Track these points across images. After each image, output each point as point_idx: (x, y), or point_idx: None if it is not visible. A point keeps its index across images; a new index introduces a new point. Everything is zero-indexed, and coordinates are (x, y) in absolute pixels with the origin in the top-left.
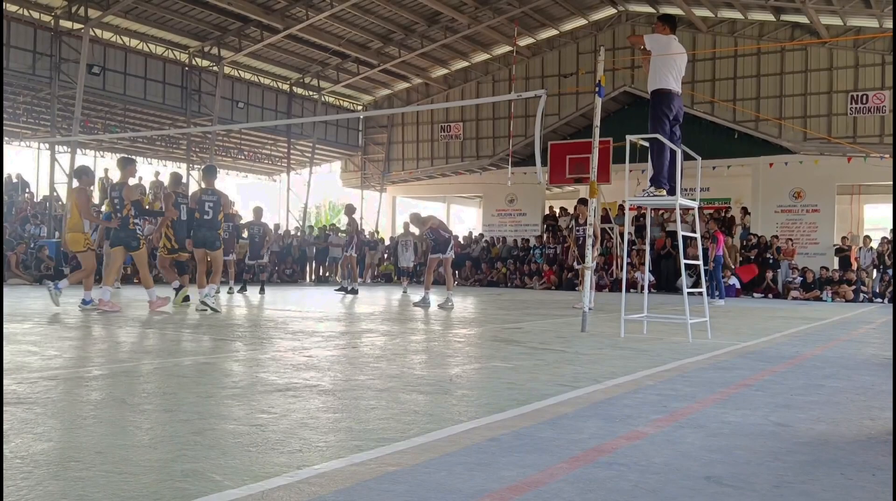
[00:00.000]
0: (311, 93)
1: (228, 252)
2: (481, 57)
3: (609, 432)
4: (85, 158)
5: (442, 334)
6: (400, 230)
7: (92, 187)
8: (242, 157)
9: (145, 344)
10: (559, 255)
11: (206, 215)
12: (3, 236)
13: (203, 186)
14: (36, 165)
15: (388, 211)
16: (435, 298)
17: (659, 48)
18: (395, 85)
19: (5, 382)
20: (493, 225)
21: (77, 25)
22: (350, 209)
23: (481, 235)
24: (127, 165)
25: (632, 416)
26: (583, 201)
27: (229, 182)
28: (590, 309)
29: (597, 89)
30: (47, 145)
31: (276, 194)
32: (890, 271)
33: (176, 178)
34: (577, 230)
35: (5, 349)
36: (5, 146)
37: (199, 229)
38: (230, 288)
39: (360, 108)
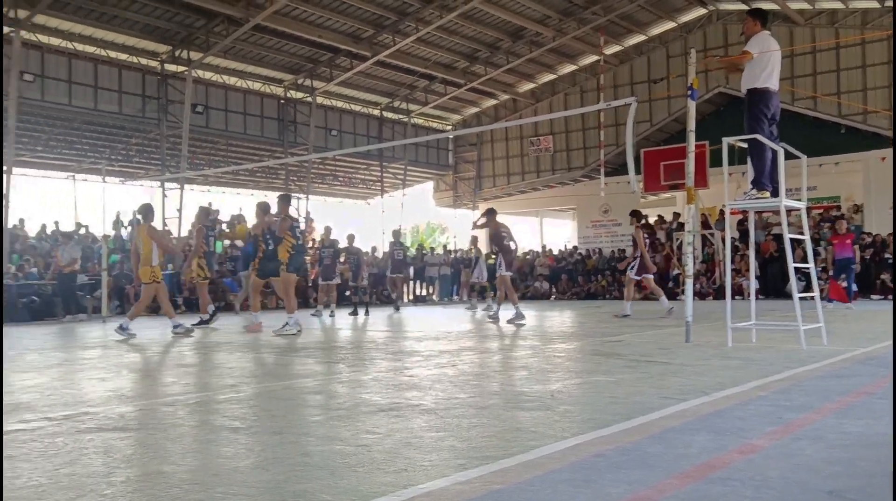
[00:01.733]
0: (400, 116)
1: (331, 276)
2: (568, 68)
3: (720, 446)
4: (192, 194)
5: (541, 349)
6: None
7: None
8: (338, 183)
9: (251, 369)
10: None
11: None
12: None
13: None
14: None
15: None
16: (505, 313)
17: (760, 47)
18: (483, 102)
19: (128, 410)
20: (588, 237)
21: (181, 68)
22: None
23: (575, 247)
24: (285, 202)
25: (744, 428)
26: (633, 214)
27: (317, 206)
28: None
29: (689, 93)
30: (158, 183)
31: (371, 217)
32: None
33: (204, 211)
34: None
35: (127, 378)
36: (122, 187)
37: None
38: (331, 312)
39: (448, 127)
